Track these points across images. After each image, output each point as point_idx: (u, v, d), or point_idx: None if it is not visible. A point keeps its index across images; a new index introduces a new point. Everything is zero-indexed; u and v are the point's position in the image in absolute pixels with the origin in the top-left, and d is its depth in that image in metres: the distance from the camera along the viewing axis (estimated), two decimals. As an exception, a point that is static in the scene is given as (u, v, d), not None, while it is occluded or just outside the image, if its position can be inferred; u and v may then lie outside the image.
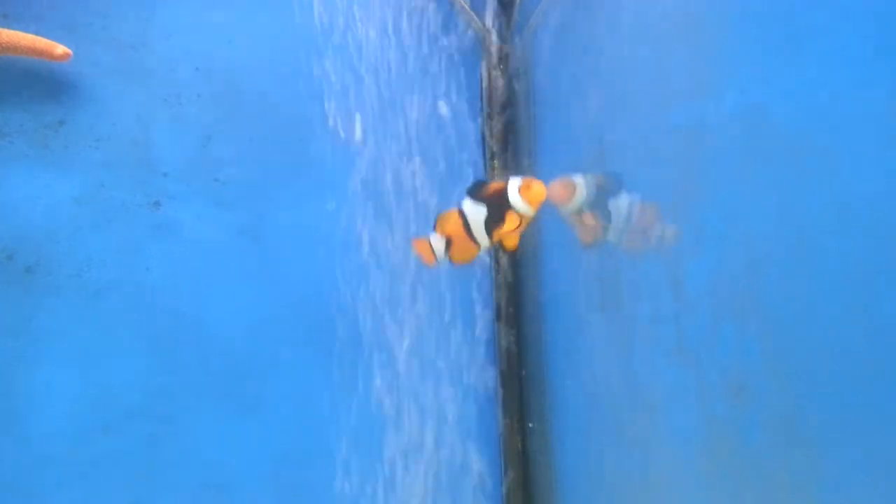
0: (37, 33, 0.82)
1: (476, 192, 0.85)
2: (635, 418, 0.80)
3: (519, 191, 0.81)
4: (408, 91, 1.09)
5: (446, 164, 1.10)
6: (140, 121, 0.90)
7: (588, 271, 0.93)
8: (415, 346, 1.06)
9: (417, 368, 1.06)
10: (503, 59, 1.17)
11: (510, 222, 0.82)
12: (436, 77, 1.12)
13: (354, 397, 1.01)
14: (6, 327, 0.81)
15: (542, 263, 1.10)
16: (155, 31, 0.92)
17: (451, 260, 0.88)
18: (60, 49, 0.82)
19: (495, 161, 1.14)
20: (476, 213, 0.84)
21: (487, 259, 1.16)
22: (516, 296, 1.15)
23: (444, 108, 1.12)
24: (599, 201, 0.86)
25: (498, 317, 1.15)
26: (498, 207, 0.83)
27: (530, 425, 1.11)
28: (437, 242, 0.87)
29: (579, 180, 0.87)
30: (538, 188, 0.81)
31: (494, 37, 1.17)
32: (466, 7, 1.14)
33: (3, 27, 0.80)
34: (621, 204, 0.82)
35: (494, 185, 0.84)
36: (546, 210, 1.08)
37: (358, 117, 1.04)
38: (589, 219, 0.87)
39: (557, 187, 0.87)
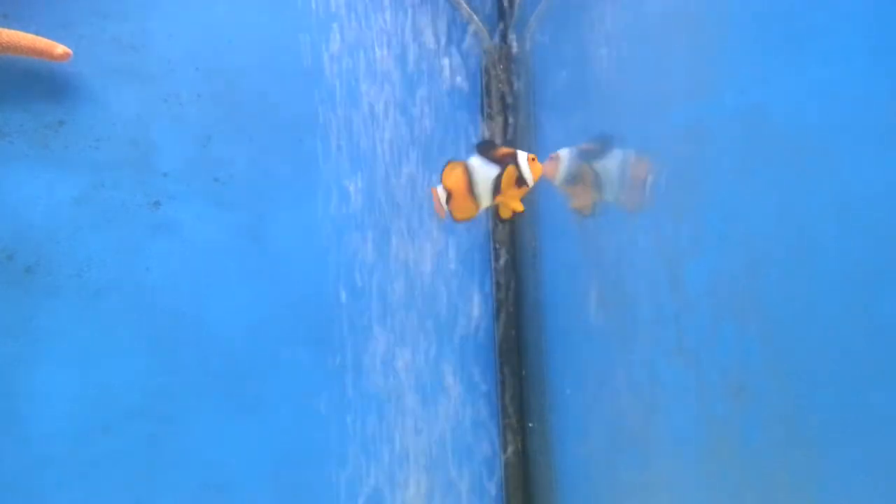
0: (37, 33, 0.82)
1: (485, 151, 0.86)
2: (635, 418, 0.80)
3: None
4: (407, 91, 1.09)
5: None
6: (140, 121, 0.90)
7: (588, 271, 0.93)
8: (415, 345, 1.06)
9: (417, 368, 1.06)
10: (503, 59, 1.17)
11: (514, 189, 0.87)
12: (436, 77, 1.12)
13: (354, 397, 1.01)
14: (6, 327, 0.81)
15: (542, 263, 1.10)
16: (155, 31, 0.92)
17: (451, 214, 0.88)
18: (60, 49, 0.82)
19: (495, 161, 1.14)
20: (483, 170, 0.85)
21: (488, 259, 1.16)
22: (516, 296, 1.15)
23: (444, 108, 1.12)
24: (588, 166, 0.87)
25: (498, 316, 1.15)
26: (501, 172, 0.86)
27: (530, 425, 1.11)
28: (442, 194, 0.88)
29: (563, 152, 0.91)
30: (538, 164, 0.89)
31: (494, 37, 1.17)
32: (466, 7, 1.14)
33: (3, 27, 0.80)
34: (610, 163, 0.84)
35: (504, 150, 0.86)
36: (546, 210, 1.08)
37: (358, 118, 1.05)
38: (580, 184, 0.90)
39: (546, 163, 0.92)
